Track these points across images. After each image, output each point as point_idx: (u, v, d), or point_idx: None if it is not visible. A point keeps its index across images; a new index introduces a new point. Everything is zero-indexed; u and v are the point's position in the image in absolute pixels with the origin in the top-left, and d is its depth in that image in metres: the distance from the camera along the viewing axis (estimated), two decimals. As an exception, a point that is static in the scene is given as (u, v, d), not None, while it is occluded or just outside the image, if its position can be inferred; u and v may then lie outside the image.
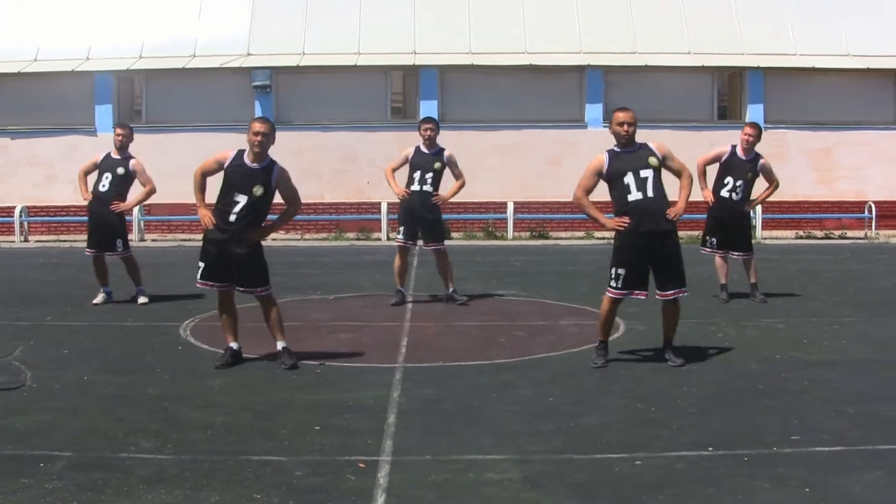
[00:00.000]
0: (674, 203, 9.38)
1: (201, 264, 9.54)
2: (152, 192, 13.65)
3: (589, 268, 17.72)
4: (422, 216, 13.30)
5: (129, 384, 8.81)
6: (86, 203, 13.72)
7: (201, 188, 9.59)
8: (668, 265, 9.41)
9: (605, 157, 9.40)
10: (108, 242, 13.56)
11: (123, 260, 13.65)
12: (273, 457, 6.64)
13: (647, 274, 9.46)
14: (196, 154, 23.21)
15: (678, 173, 9.51)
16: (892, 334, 11.23)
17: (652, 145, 9.41)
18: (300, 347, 9.92)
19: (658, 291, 9.53)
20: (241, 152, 9.45)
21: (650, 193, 9.23)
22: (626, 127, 9.29)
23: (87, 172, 13.64)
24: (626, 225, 9.26)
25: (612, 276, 9.42)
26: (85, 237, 14.14)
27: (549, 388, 8.64)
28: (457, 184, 13.44)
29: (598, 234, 24.55)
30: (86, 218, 14.12)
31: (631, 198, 9.24)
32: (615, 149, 9.43)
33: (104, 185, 13.42)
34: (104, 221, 13.50)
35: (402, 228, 13.43)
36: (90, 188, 13.57)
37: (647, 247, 9.29)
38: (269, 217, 9.70)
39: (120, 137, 13.43)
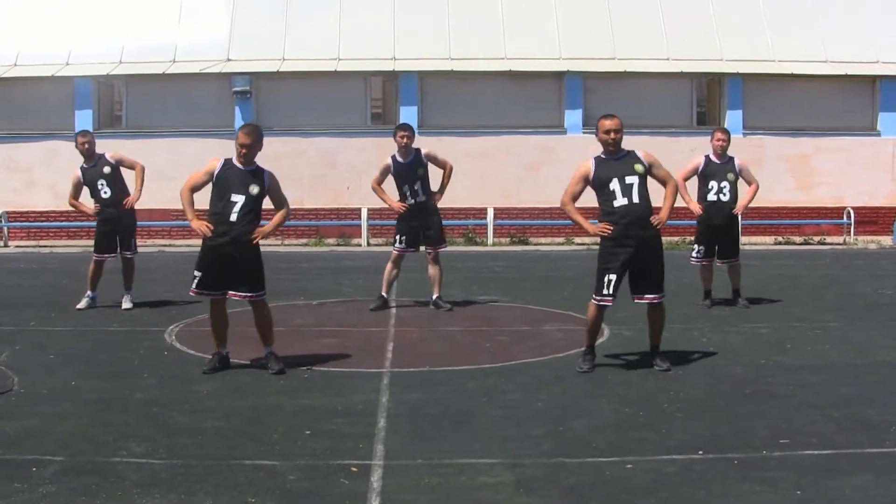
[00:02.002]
0: (658, 210, 9.48)
1: (197, 273, 9.52)
2: (143, 169, 13.70)
3: (570, 273, 17.76)
4: (425, 221, 13.32)
5: (117, 389, 8.80)
6: (94, 213, 13.63)
7: (191, 202, 9.61)
8: (649, 270, 9.49)
9: (591, 164, 9.50)
10: (126, 243, 13.66)
11: (128, 262, 13.66)
12: (265, 461, 6.64)
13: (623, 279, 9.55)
14: (176, 159, 23.47)
15: (664, 182, 9.61)
16: (873, 339, 11.30)
17: (639, 153, 9.50)
18: (286, 352, 9.91)
19: (635, 296, 9.62)
20: (228, 159, 9.58)
21: (635, 199, 9.31)
22: (612, 134, 9.37)
23: (76, 196, 13.56)
24: (608, 232, 9.33)
25: (604, 283, 9.42)
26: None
27: (536, 393, 8.67)
28: (445, 174, 13.43)
29: (577, 239, 24.61)
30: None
31: (616, 203, 9.32)
32: (602, 156, 9.51)
33: (104, 192, 13.44)
34: (122, 225, 13.61)
35: (402, 237, 13.41)
36: (86, 200, 13.56)
37: (632, 252, 9.35)
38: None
39: (86, 146, 13.35)
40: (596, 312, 9.57)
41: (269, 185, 9.55)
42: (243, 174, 9.44)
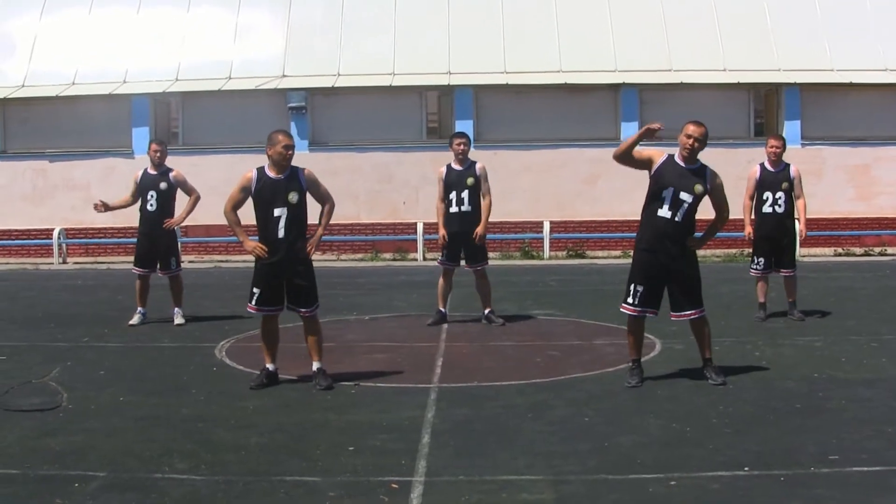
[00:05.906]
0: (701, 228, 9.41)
1: (256, 290, 9.52)
2: (198, 199, 13.82)
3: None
4: (464, 239, 13.26)
5: (164, 405, 8.84)
6: (123, 214, 13.85)
7: (237, 222, 9.55)
8: (683, 285, 9.36)
9: (663, 157, 9.27)
10: (164, 262, 13.71)
11: (172, 279, 13.74)
12: (306, 477, 6.62)
13: (662, 292, 9.42)
14: (232, 176, 23.41)
15: (717, 209, 9.44)
16: (932, 352, 11.08)
17: (708, 172, 9.30)
18: (336, 368, 9.92)
19: (674, 313, 9.49)
20: (261, 170, 9.53)
21: (678, 217, 9.15)
22: (692, 141, 9.15)
23: (132, 195, 13.74)
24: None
25: (630, 291, 9.36)
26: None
27: (584, 408, 8.58)
28: (485, 206, 13.27)
29: (634, 252, 24.38)
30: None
31: (660, 213, 9.18)
32: (676, 158, 9.29)
33: (151, 204, 13.55)
34: (159, 244, 13.68)
35: (444, 251, 13.41)
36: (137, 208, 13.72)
37: (664, 266, 9.24)
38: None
39: (158, 154, 13.54)
40: (629, 323, 9.51)
41: (308, 184, 9.52)
42: (279, 183, 9.39)
